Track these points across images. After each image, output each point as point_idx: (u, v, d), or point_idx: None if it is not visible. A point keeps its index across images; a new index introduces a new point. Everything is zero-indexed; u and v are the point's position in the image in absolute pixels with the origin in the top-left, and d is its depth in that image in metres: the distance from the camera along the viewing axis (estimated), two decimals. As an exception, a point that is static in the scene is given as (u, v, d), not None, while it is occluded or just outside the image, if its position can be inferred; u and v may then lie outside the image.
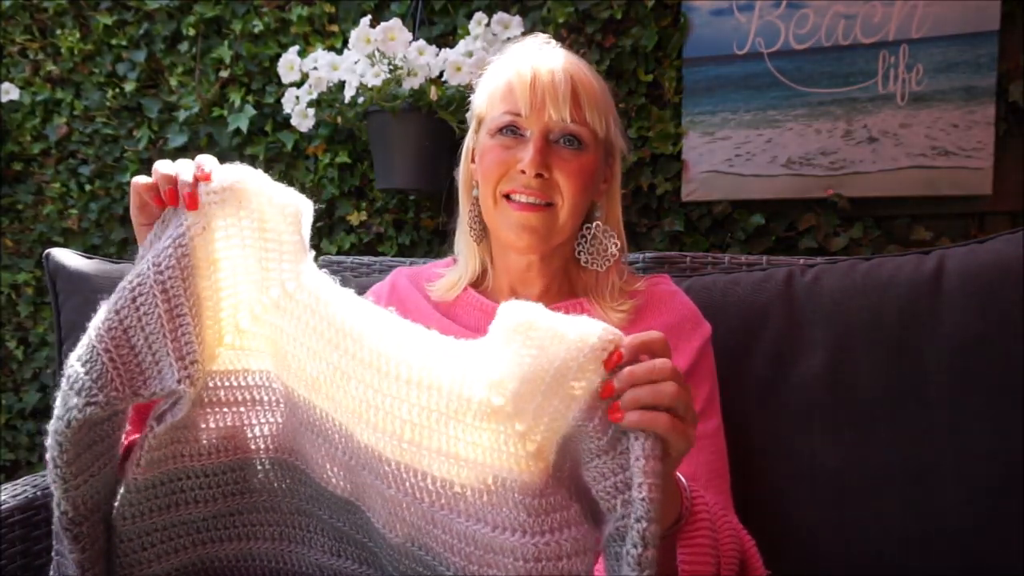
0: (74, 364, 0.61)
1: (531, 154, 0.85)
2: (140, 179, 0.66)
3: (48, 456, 0.60)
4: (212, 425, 0.69)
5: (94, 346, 0.61)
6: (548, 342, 0.56)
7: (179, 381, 0.62)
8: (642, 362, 0.56)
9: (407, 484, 0.62)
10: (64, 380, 0.61)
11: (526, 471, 0.58)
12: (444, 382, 0.59)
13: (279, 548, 0.73)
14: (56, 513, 0.62)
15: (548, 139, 0.87)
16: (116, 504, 0.67)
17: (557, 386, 0.56)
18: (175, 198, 0.63)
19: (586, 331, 0.56)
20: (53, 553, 0.65)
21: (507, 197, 0.88)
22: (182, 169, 0.64)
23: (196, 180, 0.63)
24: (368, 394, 0.62)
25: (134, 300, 0.62)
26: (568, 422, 0.57)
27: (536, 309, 0.57)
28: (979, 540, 0.91)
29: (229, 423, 0.70)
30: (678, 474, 0.70)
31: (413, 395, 0.60)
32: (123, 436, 0.68)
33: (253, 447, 0.72)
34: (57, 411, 0.60)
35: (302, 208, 0.66)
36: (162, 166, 0.65)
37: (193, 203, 0.63)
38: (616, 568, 0.55)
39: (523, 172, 0.86)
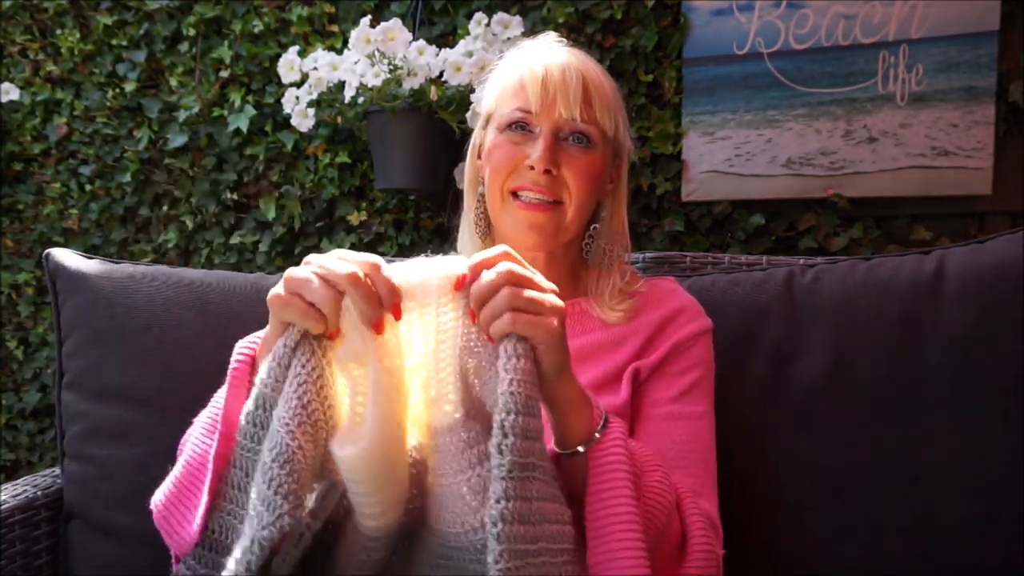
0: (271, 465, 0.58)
1: (541, 150, 0.85)
2: (298, 311, 0.61)
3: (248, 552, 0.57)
4: None
5: (287, 444, 0.58)
6: (414, 297, 0.62)
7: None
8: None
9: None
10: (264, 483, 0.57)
11: (445, 415, 0.61)
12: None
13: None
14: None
15: (558, 136, 0.87)
16: None
17: (434, 327, 0.61)
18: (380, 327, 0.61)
19: (429, 272, 0.62)
20: None
21: (514, 195, 0.88)
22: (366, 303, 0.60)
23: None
24: None
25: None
26: (455, 355, 0.61)
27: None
28: (979, 540, 0.91)
29: None
30: (598, 403, 0.69)
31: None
32: None
33: None
34: (261, 520, 0.57)
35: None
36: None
37: (382, 329, 0.61)
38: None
39: (532, 168, 0.85)
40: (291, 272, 0.62)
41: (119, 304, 1.15)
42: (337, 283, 0.60)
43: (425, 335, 0.62)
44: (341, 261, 0.62)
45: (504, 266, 0.61)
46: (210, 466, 0.65)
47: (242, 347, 0.72)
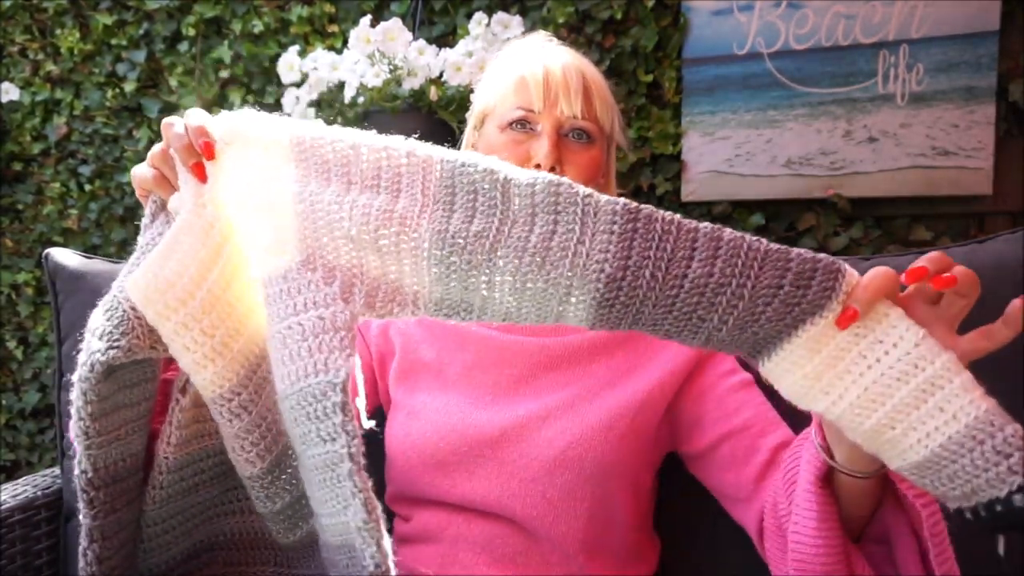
0: (96, 315, 0.61)
1: (547, 148, 0.85)
2: (143, 175, 0.65)
3: (73, 409, 0.59)
4: None
5: (115, 296, 0.61)
6: (235, 140, 0.62)
7: None
8: None
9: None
10: (87, 332, 0.60)
11: (280, 262, 0.61)
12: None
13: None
14: (76, 471, 0.61)
15: (559, 133, 0.87)
16: (147, 488, 0.66)
17: (264, 175, 0.62)
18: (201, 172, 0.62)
19: (256, 123, 0.62)
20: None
21: None
22: (181, 149, 0.62)
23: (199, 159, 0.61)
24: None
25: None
26: (293, 203, 0.60)
27: None
28: (979, 540, 0.90)
29: None
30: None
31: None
32: (151, 415, 0.67)
33: None
34: (80, 359, 0.59)
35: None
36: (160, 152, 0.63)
37: (204, 177, 0.62)
38: None
39: (538, 167, 0.86)
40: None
41: (119, 304, 1.15)
42: (164, 138, 0.62)
43: (253, 184, 0.61)
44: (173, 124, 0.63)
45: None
46: None
47: None
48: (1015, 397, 0.89)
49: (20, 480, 1.16)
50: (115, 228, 1.90)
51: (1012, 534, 0.52)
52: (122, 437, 0.63)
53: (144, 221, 0.65)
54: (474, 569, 0.82)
